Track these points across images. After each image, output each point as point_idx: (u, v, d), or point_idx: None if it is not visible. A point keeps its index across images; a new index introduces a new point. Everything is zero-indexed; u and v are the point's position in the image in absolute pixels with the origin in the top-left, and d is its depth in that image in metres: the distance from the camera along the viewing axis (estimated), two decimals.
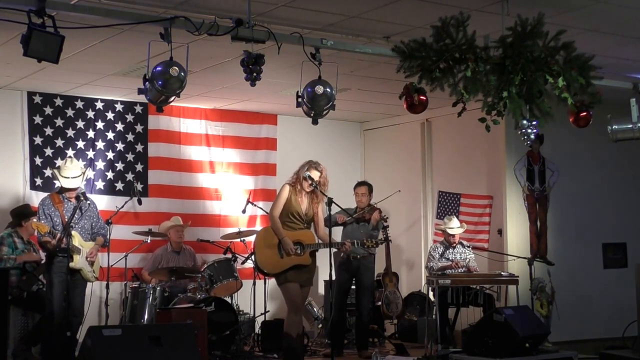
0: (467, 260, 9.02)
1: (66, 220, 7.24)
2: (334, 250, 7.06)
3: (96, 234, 7.60)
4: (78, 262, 7.28)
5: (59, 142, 9.37)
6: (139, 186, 9.62)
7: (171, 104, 6.07)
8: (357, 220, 8.73)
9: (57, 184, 7.53)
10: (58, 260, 7.20)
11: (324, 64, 6.06)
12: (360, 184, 9.14)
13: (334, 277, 7.00)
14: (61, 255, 7.16)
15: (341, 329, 8.84)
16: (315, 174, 7.00)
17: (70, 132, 9.45)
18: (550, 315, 8.49)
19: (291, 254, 6.84)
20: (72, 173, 7.39)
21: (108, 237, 7.89)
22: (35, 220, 7.24)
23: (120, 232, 9.22)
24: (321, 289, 10.47)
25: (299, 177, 7.00)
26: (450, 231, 9.03)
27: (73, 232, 7.24)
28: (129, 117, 9.86)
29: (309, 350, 8.76)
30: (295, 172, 7.12)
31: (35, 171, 9.18)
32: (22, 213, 8.10)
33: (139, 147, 9.90)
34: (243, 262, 9.16)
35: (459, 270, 8.76)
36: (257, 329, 9.16)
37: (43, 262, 7.73)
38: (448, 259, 9.00)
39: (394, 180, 11.07)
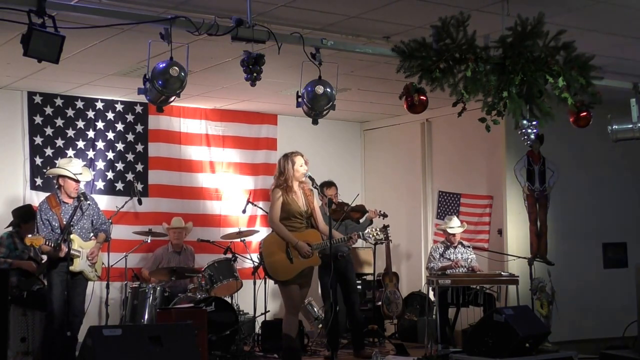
0: (469, 260, 9.02)
1: (64, 223, 7.22)
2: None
3: (97, 230, 7.56)
4: (78, 265, 7.26)
5: (59, 142, 9.37)
6: (139, 186, 9.62)
7: (171, 104, 6.06)
8: (337, 219, 8.64)
9: (61, 181, 7.39)
10: (60, 261, 7.20)
11: (324, 64, 6.06)
12: (330, 184, 8.72)
13: (328, 277, 6.96)
14: (62, 261, 7.13)
15: (340, 329, 8.81)
16: (301, 161, 6.90)
17: (70, 132, 9.45)
18: (550, 315, 8.49)
19: (308, 257, 6.77)
20: (76, 169, 7.37)
21: (109, 231, 7.84)
22: (30, 236, 7.12)
23: (120, 232, 9.23)
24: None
25: (288, 176, 6.86)
26: (450, 230, 9.03)
27: (72, 236, 7.19)
28: (129, 117, 9.86)
29: (308, 350, 8.76)
30: (278, 172, 6.96)
31: (35, 171, 9.18)
32: (23, 215, 8.08)
33: (139, 147, 9.90)
34: (254, 272, 9.10)
35: (460, 270, 8.77)
36: (258, 329, 9.15)
37: (44, 261, 7.73)
38: (448, 258, 9.00)
39: (394, 180, 11.08)
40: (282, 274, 6.80)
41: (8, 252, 7.94)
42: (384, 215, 8.98)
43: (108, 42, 7.06)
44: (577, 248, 9.72)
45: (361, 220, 8.86)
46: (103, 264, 7.84)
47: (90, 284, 7.59)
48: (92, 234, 7.50)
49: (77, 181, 7.35)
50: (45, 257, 7.62)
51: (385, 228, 9.44)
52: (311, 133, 9.77)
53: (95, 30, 6.10)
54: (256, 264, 9.24)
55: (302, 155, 6.96)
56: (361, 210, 8.75)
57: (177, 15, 5.58)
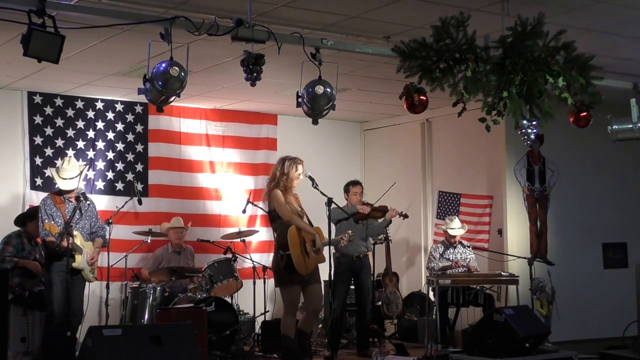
0: (468, 260, 9.02)
1: (68, 219, 7.23)
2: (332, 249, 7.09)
3: (95, 234, 7.58)
4: (80, 262, 7.28)
5: (59, 142, 9.37)
6: (139, 186, 9.62)
7: (171, 104, 6.07)
8: (359, 219, 8.67)
9: (56, 184, 7.52)
10: (60, 260, 7.20)
11: (324, 64, 6.06)
12: (356, 182, 8.89)
13: (328, 277, 6.99)
14: (64, 256, 7.14)
15: (340, 329, 8.82)
16: (302, 169, 7.04)
17: (70, 132, 9.45)
18: (550, 315, 8.49)
19: (321, 252, 6.91)
20: (69, 174, 7.36)
21: (107, 237, 7.89)
22: (47, 221, 7.21)
23: (120, 232, 9.22)
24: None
25: (288, 178, 6.96)
26: (451, 232, 9.03)
27: (75, 232, 7.24)
28: (129, 117, 9.86)
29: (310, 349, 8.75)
30: (279, 173, 7.03)
31: (35, 171, 9.18)
32: (31, 213, 8.09)
33: (139, 147, 9.90)
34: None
35: (459, 270, 8.76)
36: (257, 329, 9.16)
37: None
38: (448, 258, 9.01)
39: (394, 180, 11.06)
40: (302, 268, 6.84)
41: (15, 252, 7.94)
42: (405, 216, 8.97)
43: (108, 42, 7.05)
44: (577, 248, 9.72)
45: (379, 220, 8.85)
46: (98, 266, 7.83)
47: (88, 283, 7.61)
48: (89, 238, 7.51)
49: (68, 191, 7.36)
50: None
51: (385, 228, 9.49)
52: (311, 133, 9.76)
53: (95, 30, 6.10)
54: (257, 264, 9.26)
55: (303, 165, 7.08)
56: (383, 210, 8.78)
57: (177, 15, 5.58)
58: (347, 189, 8.83)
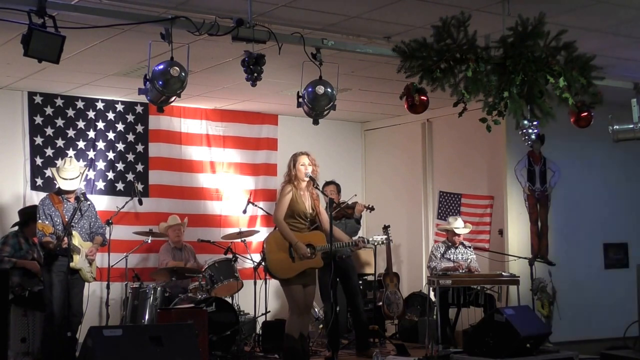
0: (469, 260, 9.01)
1: (66, 220, 7.23)
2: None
3: (94, 234, 7.58)
4: (78, 262, 7.27)
5: (60, 142, 9.36)
6: (140, 186, 9.61)
7: (172, 104, 6.07)
8: (336, 218, 8.63)
9: (57, 184, 7.52)
10: (58, 260, 7.20)
11: (324, 64, 6.06)
12: (328, 183, 8.80)
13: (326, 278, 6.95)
14: (62, 256, 7.15)
15: (338, 329, 8.79)
16: (304, 161, 6.85)
17: (70, 133, 9.45)
18: (551, 316, 8.50)
19: (304, 259, 6.73)
20: (70, 174, 7.36)
21: (107, 236, 7.89)
22: (40, 221, 7.21)
23: (120, 232, 9.22)
24: None
25: (290, 172, 6.84)
26: (457, 230, 9.00)
27: (73, 232, 7.24)
28: (130, 118, 9.86)
29: (309, 351, 8.74)
30: (288, 168, 6.95)
31: (35, 171, 9.18)
32: (32, 213, 8.08)
33: (140, 148, 9.89)
34: (257, 267, 9.09)
35: (460, 271, 8.76)
36: (258, 329, 9.15)
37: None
38: (449, 259, 9.00)
39: (395, 180, 11.08)
40: (282, 272, 6.78)
41: (13, 252, 7.94)
42: (371, 209, 8.93)
43: (108, 42, 7.05)
44: (578, 248, 9.72)
45: (355, 216, 8.85)
46: (97, 266, 7.82)
47: (88, 283, 7.60)
48: (89, 238, 7.50)
49: (67, 191, 7.37)
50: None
51: (386, 228, 9.49)
52: (312, 133, 9.75)
53: (95, 30, 6.10)
54: (256, 263, 9.25)
55: (308, 156, 6.90)
56: (352, 207, 8.78)
57: (178, 16, 5.58)
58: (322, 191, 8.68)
